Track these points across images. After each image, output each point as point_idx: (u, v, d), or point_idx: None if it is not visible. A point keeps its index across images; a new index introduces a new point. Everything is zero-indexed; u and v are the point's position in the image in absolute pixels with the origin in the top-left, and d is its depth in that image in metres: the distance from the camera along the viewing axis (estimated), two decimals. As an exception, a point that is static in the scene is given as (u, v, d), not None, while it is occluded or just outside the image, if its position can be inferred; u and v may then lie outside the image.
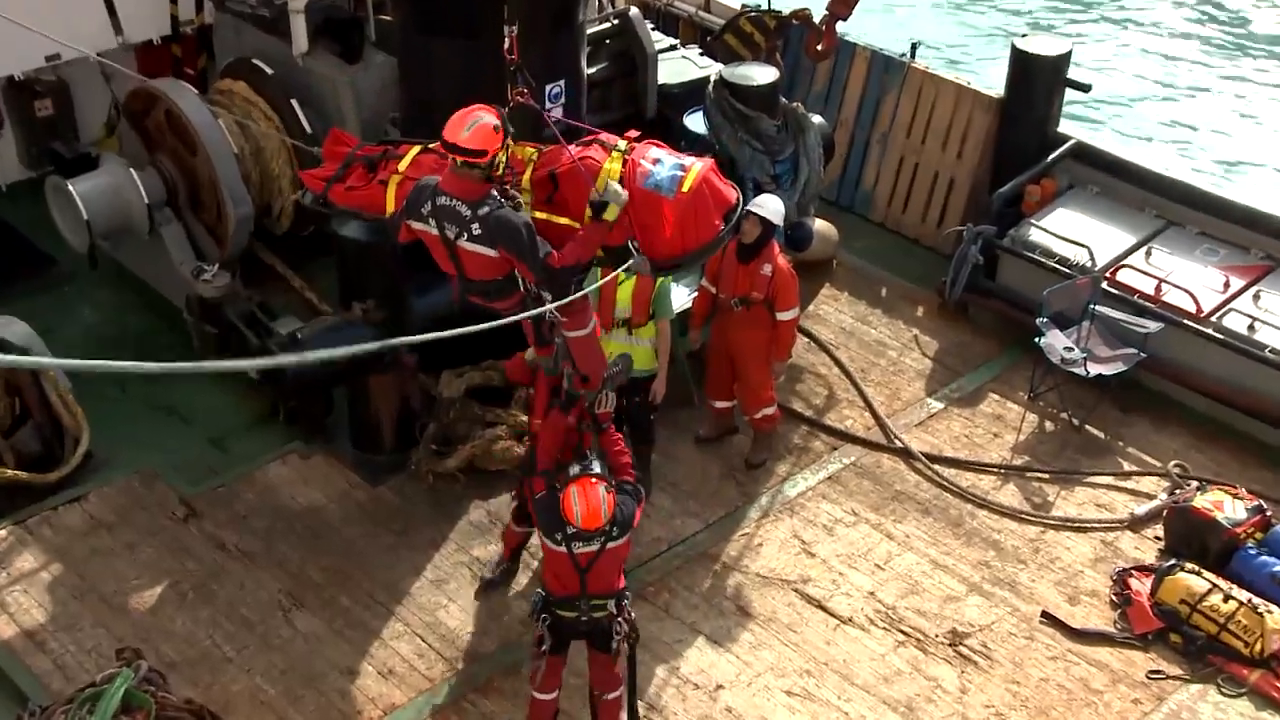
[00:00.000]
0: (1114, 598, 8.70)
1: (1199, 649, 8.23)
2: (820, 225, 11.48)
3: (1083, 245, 10.56)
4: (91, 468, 9.44)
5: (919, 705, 8.03)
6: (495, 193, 6.77)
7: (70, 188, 10.05)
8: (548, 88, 9.27)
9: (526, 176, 7.11)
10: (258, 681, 8.06)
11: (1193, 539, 8.80)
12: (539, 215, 7.00)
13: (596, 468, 7.01)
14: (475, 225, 6.72)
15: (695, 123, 11.15)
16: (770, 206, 9.16)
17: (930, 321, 11.30)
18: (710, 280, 9.36)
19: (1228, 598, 8.26)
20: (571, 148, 7.02)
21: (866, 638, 8.46)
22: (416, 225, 6.97)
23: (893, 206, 12.41)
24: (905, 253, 12.14)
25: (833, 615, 8.58)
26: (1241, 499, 8.91)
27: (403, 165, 7.45)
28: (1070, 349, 9.95)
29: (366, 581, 8.75)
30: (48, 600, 8.49)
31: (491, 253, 6.78)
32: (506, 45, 7.10)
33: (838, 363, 10.74)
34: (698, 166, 6.97)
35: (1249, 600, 8.23)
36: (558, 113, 9.12)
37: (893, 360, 10.86)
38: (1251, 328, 9.89)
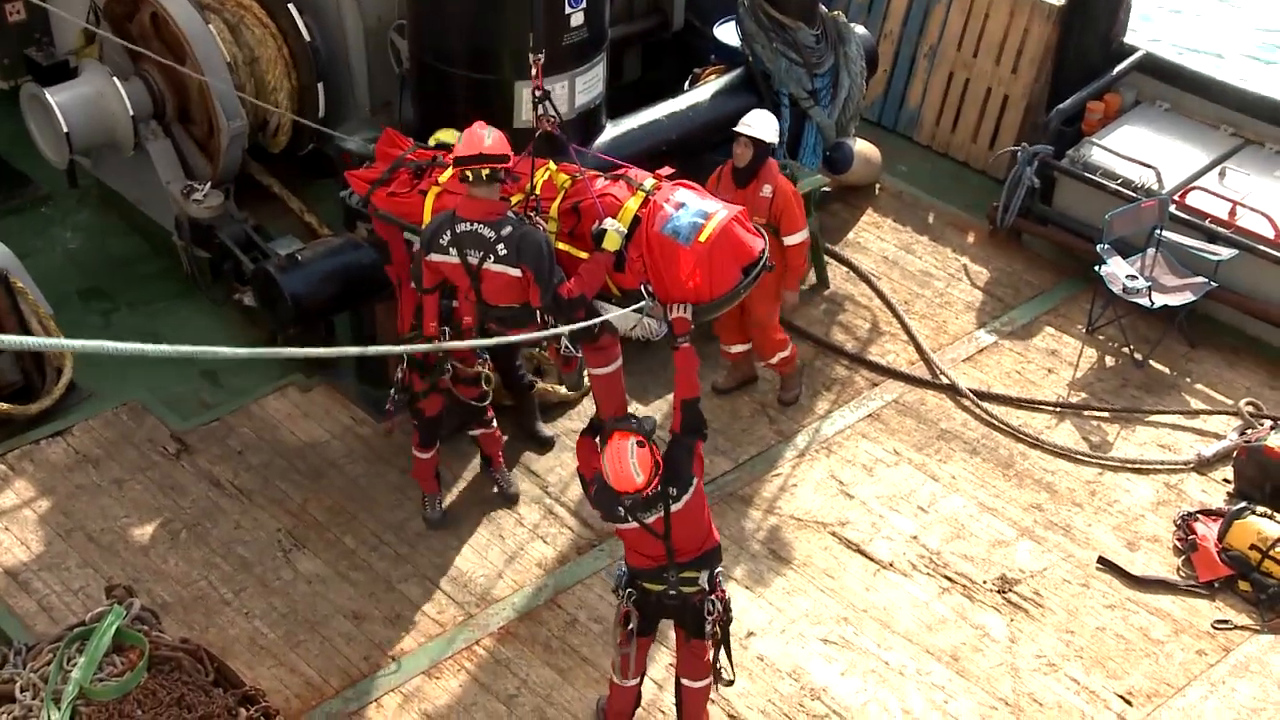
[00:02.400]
0: (1178, 543, 8.77)
1: (1271, 597, 8.31)
2: (862, 146, 11.48)
3: (1149, 166, 10.56)
4: (75, 400, 9.58)
5: (965, 654, 8.14)
6: (512, 213, 7.18)
7: (48, 97, 10.09)
8: (567, -7, 9.29)
9: (555, 206, 7.39)
10: (256, 625, 8.20)
11: (1265, 481, 8.85)
12: (561, 246, 7.36)
13: (634, 424, 6.76)
14: (500, 246, 7.13)
15: (727, 33, 11.15)
16: (760, 124, 9.00)
17: (980, 250, 11.32)
18: None
19: (1302, 543, 8.33)
20: (600, 181, 7.33)
21: (909, 584, 8.55)
22: (436, 258, 7.36)
23: (941, 127, 12.40)
24: (954, 177, 12.16)
25: (872, 560, 8.68)
26: (1320, 438, 8.97)
27: (444, 177, 7.75)
28: (1133, 278, 9.97)
29: (372, 522, 8.88)
30: (31, 539, 8.63)
31: (515, 272, 7.16)
32: (533, 73, 7.36)
33: (879, 294, 10.78)
34: (721, 215, 7.10)
35: (1324, 545, 8.30)
36: (578, 19, 9.13)
37: (939, 291, 10.90)
38: (1334, 255, 9.90)
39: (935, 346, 10.32)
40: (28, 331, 9.45)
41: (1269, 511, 8.59)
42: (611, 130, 10.10)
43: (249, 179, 10.88)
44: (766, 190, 9.04)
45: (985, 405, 9.79)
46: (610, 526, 7.20)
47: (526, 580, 8.53)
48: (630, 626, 7.04)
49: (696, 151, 10.01)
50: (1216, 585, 8.49)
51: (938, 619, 8.35)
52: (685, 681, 7.33)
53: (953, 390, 9.93)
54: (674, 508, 6.73)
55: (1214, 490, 9.18)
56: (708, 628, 6.99)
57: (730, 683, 7.22)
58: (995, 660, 8.12)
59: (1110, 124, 11.18)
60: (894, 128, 12.61)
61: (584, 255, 7.27)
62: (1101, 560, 8.67)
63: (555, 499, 9.04)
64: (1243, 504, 8.70)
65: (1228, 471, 9.20)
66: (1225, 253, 9.99)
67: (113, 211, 11.28)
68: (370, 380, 9.79)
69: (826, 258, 10.95)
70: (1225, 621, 8.30)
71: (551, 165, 7.51)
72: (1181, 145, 10.92)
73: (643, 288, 7.11)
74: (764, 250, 7.24)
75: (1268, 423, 9.37)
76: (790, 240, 9.15)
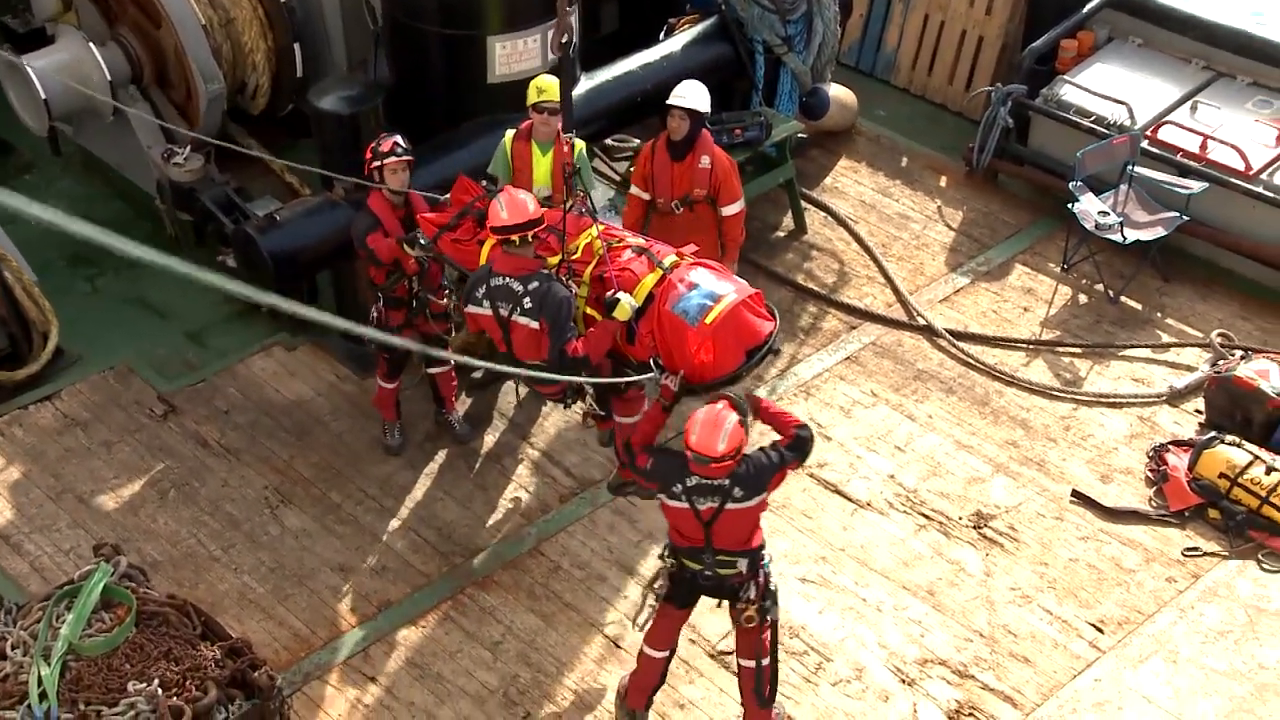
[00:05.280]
0: (1149, 474, 8.88)
1: (1239, 524, 8.42)
2: (837, 91, 11.50)
3: (1122, 102, 10.58)
4: (62, 365, 9.68)
5: (941, 589, 8.26)
6: (545, 270, 7.45)
7: (25, 65, 10.13)
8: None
9: (588, 271, 7.57)
10: (245, 580, 8.33)
11: (1235, 411, 8.94)
12: (589, 312, 7.57)
13: (739, 399, 6.82)
14: (527, 299, 7.40)
15: (701, -18, 11.14)
16: (693, 94, 8.81)
17: (956, 192, 11.36)
18: (642, 185, 9.12)
19: (1270, 470, 8.43)
20: (627, 254, 7.55)
21: (886, 522, 8.67)
22: (473, 309, 7.65)
23: (917, 70, 12.41)
24: (930, 119, 12.18)
25: (850, 500, 8.79)
26: (1289, 367, 9.04)
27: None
28: (1105, 213, 10.02)
29: (358, 477, 9.00)
30: (22, 501, 8.76)
31: (535, 325, 7.40)
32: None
33: (856, 237, 10.84)
34: (730, 298, 7.25)
35: (1293, 471, 8.40)
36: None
37: (916, 234, 10.95)
38: (1305, 185, 9.94)
39: (912, 288, 10.39)
40: (12, 299, 9.55)
41: (1238, 440, 8.68)
42: (586, 82, 10.15)
43: (229, 140, 10.90)
44: (705, 162, 8.89)
45: (961, 345, 9.87)
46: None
47: (510, 529, 8.65)
48: (658, 587, 7.06)
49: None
50: (1187, 514, 8.60)
51: (914, 555, 8.47)
52: (740, 660, 7.21)
53: (929, 331, 10.01)
54: (730, 506, 6.67)
55: (1186, 422, 9.27)
56: (740, 607, 6.92)
57: (770, 697, 7.18)
58: (970, 594, 8.24)
59: (1084, 61, 11.18)
60: (871, 72, 12.61)
61: None
62: (1075, 493, 8.77)
63: (536, 449, 9.14)
64: (1212, 434, 8.79)
65: (1200, 403, 9.29)
66: (1196, 186, 10.03)
67: (96, 177, 11.34)
68: (354, 338, 9.87)
69: (804, 203, 10.99)
70: (1195, 549, 8.41)
71: (594, 230, 7.64)
72: (1154, 80, 10.92)
73: (652, 362, 7.33)
74: (772, 333, 7.37)
75: (1238, 353, 9.44)
76: (728, 211, 9.03)
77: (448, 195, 8.34)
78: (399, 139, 8.33)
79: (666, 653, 7.30)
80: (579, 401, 7.80)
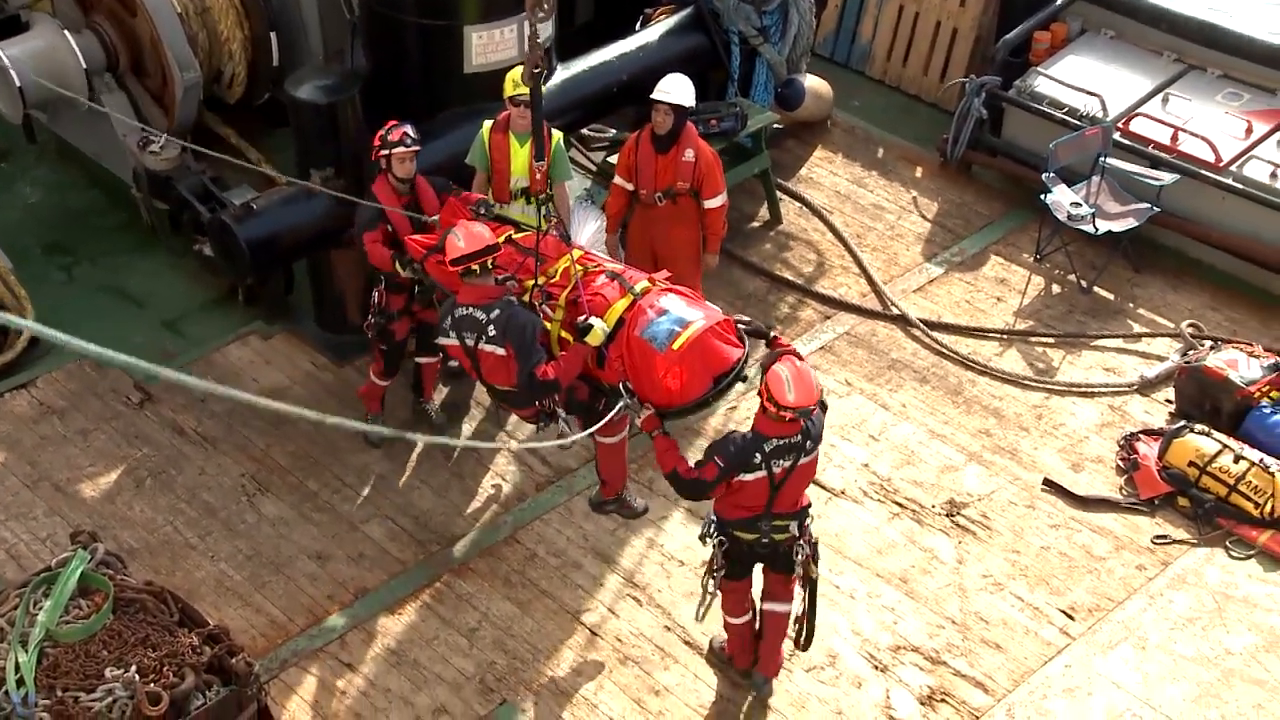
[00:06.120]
0: (1120, 463, 8.97)
1: (1207, 512, 8.53)
2: (813, 82, 11.55)
3: (1094, 94, 10.67)
4: (37, 353, 9.67)
5: (914, 577, 8.34)
6: (511, 297, 7.56)
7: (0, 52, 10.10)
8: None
9: (564, 295, 7.63)
10: (222, 567, 8.36)
11: (1205, 400, 9.05)
12: (564, 335, 7.64)
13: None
14: (490, 327, 7.50)
15: (677, -27, 11.16)
16: (678, 89, 8.91)
17: (931, 182, 11.45)
18: (625, 177, 9.20)
19: (1238, 458, 8.53)
20: (600, 279, 7.64)
21: (860, 510, 8.74)
22: (443, 340, 7.78)
23: (892, 61, 12.48)
24: (905, 110, 12.26)
25: (824, 488, 8.85)
26: (1257, 357, 9.16)
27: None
28: (1078, 204, 10.11)
29: (335, 465, 9.02)
30: (-2, 489, 8.78)
31: (502, 351, 7.50)
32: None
33: (831, 228, 10.91)
34: (697, 325, 7.32)
35: (1260, 460, 8.51)
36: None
37: (890, 224, 11.03)
38: (1274, 176, 10.03)
39: (886, 278, 10.47)
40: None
41: (1207, 429, 8.78)
42: (562, 73, 10.18)
43: (206, 129, 10.92)
44: (689, 155, 8.98)
45: (935, 334, 9.96)
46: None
47: (486, 517, 8.69)
48: (719, 572, 7.31)
49: (648, 92, 10.08)
50: (1157, 502, 8.70)
51: (888, 543, 8.55)
52: (768, 606, 7.53)
53: (903, 320, 10.08)
54: (801, 461, 6.98)
55: (1156, 411, 9.37)
56: (797, 568, 7.25)
57: (808, 642, 7.53)
58: (943, 581, 8.33)
59: (1056, 53, 11.26)
60: (846, 63, 12.68)
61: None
62: (1047, 482, 8.87)
63: (513, 437, 9.18)
64: (1182, 423, 8.89)
65: (1170, 392, 9.39)
66: (1167, 177, 10.12)
67: (72, 166, 11.32)
68: (331, 327, 9.91)
69: (779, 193, 11.06)
70: (1164, 537, 8.52)
71: (573, 254, 7.73)
72: (1126, 73, 11.02)
73: (622, 386, 7.40)
74: (740, 360, 7.43)
75: (1208, 343, 9.55)
76: (710, 204, 9.12)
77: (436, 216, 8.39)
78: (409, 129, 8.38)
79: (748, 616, 7.58)
80: (553, 422, 7.84)
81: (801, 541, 7.22)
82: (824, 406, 7.23)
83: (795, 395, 6.78)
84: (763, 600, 7.57)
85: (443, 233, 8.17)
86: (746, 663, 7.71)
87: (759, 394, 6.97)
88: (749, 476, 6.97)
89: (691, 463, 7.15)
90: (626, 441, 8.03)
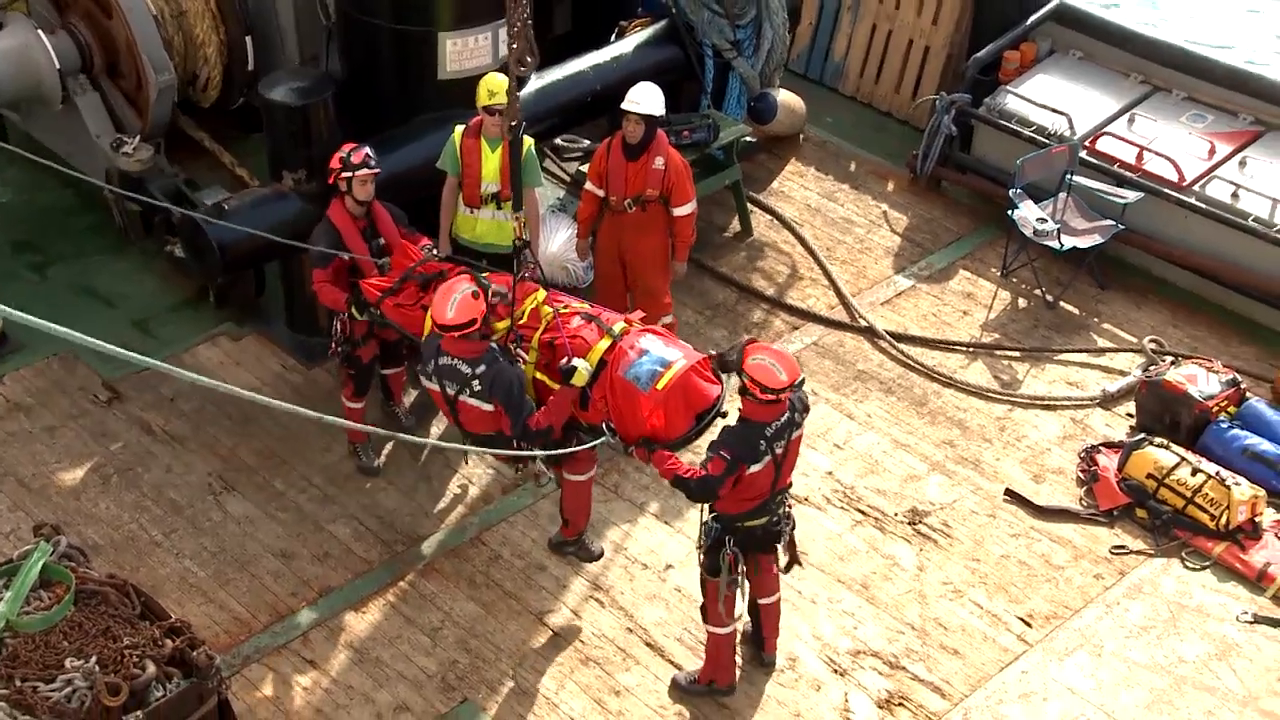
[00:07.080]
0: (1080, 475, 9.09)
1: (1165, 523, 8.65)
2: (785, 97, 11.70)
3: (1061, 113, 10.83)
4: (6, 350, 9.69)
5: (875, 583, 8.43)
6: (495, 347, 7.60)
7: (-28, 52, 10.14)
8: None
9: (536, 336, 7.75)
10: (186, 564, 8.39)
11: (1164, 414, 9.18)
12: (539, 377, 7.77)
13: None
14: (476, 382, 7.55)
15: (653, -14, 11.30)
16: (647, 99, 9.01)
17: (900, 197, 11.58)
18: (596, 183, 9.30)
19: (1195, 471, 8.66)
20: (576, 320, 7.72)
21: (823, 517, 8.84)
22: (424, 382, 7.83)
23: (865, 78, 12.63)
24: (876, 127, 12.41)
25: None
26: (1216, 373, 9.29)
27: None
28: (1044, 220, 10.26)
29: (301, 465, 9.07)
30: (-38, 484, 8.79)
31: (489, 407, 7.56)
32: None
33: (801, 240, 11.03)
34: (679, 365, 7.45)
35: (1217, 473, 8.64)
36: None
37: (860, 238, 11.16)
38: (1235, 196, 10.20)
39: (855, 291, 10.59)
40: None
41: (1165, 442, 8.91)
42: (537, 81, 10.28)
43: (179, 132, 10.96)
44: (659, 163, 9.08)
45: (901, 346, 10.07)
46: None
47: (452, 519, 8.75)
48: (740, 570, 7.44)
49: (621, 102, 10.19)
50: (1116, 513, 8.82)
51: (850, 550, 8.64)
52: (762, 601, 7.75)
53: (870, 332, 10.20)
54: (794, 435, 7.30)
55: (1118, 424, 9.50)
56: (783, 538, 7.54)
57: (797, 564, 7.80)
58: (904, 588, 8.42)
59: (1026, 72, 11.43)
60: (820, 79, 12.83)
61: (557, 386, 7.62)
62: (1008, 492, 8.98)
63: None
64: (1141, 435, 9.02)
65: (1131, 406, 9.52)
66: (1131, 196, 10.28)
67: (44, 166, 11.27)
68: (301, 329, 9.97)
69: (750, 206, 11.18)
70: (1122, 547, 8.63)
71: (540, 295, 7.84)
72: (1093, 92, 11.19)
73: (604, 425, 7.51)
74: (719, 397, 7.56)
75: (1169, 359, 9.69)
76: (679, 212, 9.22)
77: (387, 260, 8.45)
78: (369, 150, 8.42)
79: (735, 625, 7.70)
80: (529, 463, 7.91)
81: (788, 511, 7.53)
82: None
83: (785, 374, 7.05)
84: (758, 597, 7.71)
85: (397, 276, 8.25)
86: (730, 677, 7.73)
87: (743, 389, 7.09)
88: (757, 467, 7.13)
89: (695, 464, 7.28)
90: (593, 482, 8.12)
